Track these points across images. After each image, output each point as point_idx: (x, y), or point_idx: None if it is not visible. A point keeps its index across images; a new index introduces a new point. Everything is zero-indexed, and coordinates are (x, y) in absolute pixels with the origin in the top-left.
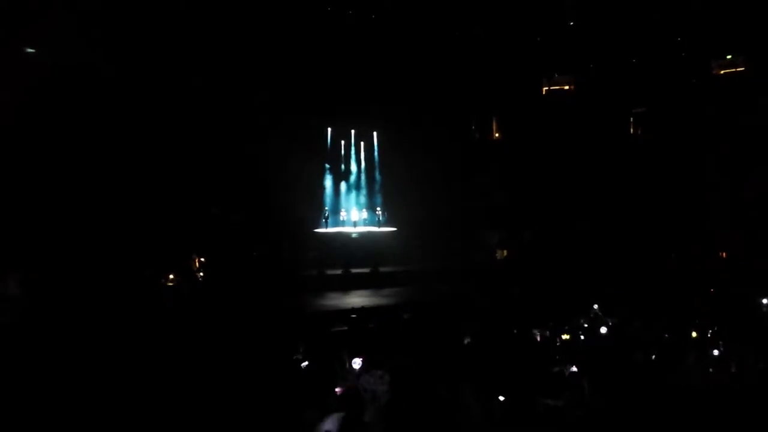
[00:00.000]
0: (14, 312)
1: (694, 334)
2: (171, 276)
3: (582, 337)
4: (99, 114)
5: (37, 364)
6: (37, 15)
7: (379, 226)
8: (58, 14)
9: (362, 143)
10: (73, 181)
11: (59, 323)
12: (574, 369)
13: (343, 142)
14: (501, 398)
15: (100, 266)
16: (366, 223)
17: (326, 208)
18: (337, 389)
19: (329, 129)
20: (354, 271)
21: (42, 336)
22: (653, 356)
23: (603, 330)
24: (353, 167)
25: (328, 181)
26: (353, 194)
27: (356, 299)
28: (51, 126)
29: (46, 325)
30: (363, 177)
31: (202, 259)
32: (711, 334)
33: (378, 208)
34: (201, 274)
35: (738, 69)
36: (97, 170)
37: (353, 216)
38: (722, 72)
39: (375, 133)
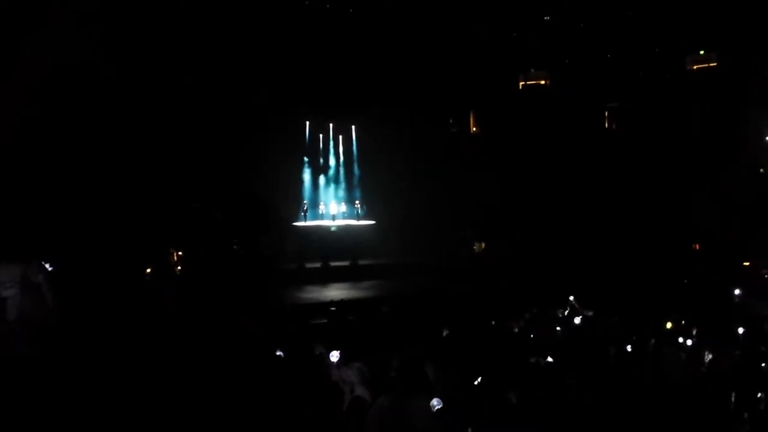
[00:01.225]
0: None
1: (668, 325)
2: (148, 271)
3: (558, 329)
4: (85, 114)
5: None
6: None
7: (358, 220)
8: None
9: (341, 137)
10: (59, 179)
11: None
12: (550, 360)
13: (321, 135)
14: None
15: (90, 264)
16: (345, 216)
17: (305, 202)
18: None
19: (307, 123)
20: (333, 264)
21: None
22: (628, 347)
23: (577, 321)
24: (332, 161)
25: (307, 175)
26: (332, 188)
27: (335, 292)
28: (39, 125)
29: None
30: (342, 170)
31: (180, 253)
32: (685, 324)
33: (357, 202)
34: (179, 268)
35: (711, 65)
36: (82, 169)
37: (332, 209)
38: (696, 68)
39: (353, 127)
